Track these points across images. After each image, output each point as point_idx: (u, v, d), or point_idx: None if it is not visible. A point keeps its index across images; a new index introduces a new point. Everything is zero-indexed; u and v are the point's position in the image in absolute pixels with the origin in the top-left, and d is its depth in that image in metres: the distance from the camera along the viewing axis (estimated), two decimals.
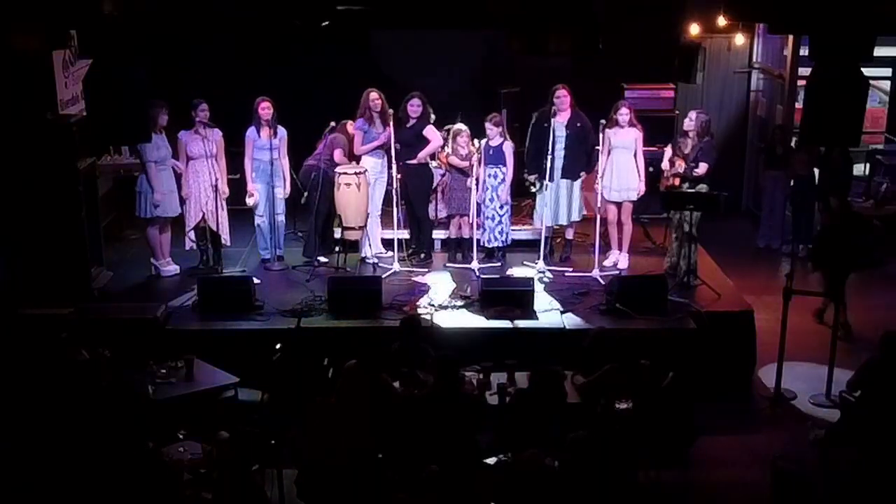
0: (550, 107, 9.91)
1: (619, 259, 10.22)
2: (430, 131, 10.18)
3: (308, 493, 6.59)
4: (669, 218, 10.10)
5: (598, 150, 9.92)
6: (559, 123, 9.87)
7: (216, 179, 9.72)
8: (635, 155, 9.96)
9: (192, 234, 9.99)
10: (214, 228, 9.89)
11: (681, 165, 9.64)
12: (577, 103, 10.00)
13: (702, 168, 9.60)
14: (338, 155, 10.16)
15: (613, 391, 7.02)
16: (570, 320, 8.85)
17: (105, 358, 7.42)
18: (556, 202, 10.03)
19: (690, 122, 9.78)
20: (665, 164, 9.89)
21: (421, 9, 10.93)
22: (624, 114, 9.86)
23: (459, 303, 9.15)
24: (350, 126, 10.29)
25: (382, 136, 10.12)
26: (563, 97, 9.85)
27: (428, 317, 8.73)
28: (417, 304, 9.12)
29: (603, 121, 9.80)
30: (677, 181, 9.73)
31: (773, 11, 7.02)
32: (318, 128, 10.50)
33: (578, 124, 9.90)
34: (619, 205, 10.06)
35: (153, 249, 9.93)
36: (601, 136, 9.81)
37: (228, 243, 10.14)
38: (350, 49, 11.78)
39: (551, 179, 9.91)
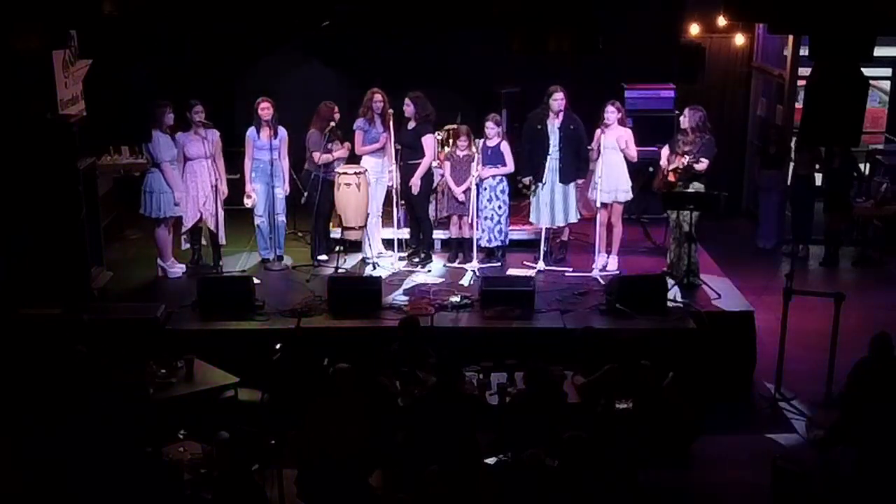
0: (545, 108, 9.85)
1: (608, 262, 10.13)
2: (428, 141, 10.05)
3: (308, 493, 6.60)
4: (667, 217, 10.05)
5: (591, 150, 9.91)
6: (554, 126, 9.84)
7: (215, 179, 9.72)
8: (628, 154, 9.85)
9: (187, 234, 9.99)
10: (213, 228, 9.89)
11: (681, 161, 9.48)
12: (577, 103, 9.98)
13: (703, 164, 9.40)
14: (316, 157, 9.93)
15: (613, 391, 7.02)
16: (570, 320, 8.85)
17: (105, 358, 7.42)
18: (552, 204, 9.98)
19: (685, 118, 9.61)
20: (663, 163, 9.72)
21: (421, 8, 10.93)
22: (610, 112, 9.77)
23: (460, 303, 9.16)
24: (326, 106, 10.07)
25: (382, 138, 10.12)
26: (559, 99, 9.77)
27: (428, 316, 8.74)
28: (417, 304, 9.11)
29: None
30: (674, 177, 9.56)
31: (773, 11, 7.00)
32: None
33: (572, 127, 9.84)
34: (609, 206, 10.00)
35: (161, 250, 9.90)
36: (596, 137, 9.80)
37: (224, 242, 10.12)
38: (351, 49, 11.78)
39: (542, 181, 9.88)
